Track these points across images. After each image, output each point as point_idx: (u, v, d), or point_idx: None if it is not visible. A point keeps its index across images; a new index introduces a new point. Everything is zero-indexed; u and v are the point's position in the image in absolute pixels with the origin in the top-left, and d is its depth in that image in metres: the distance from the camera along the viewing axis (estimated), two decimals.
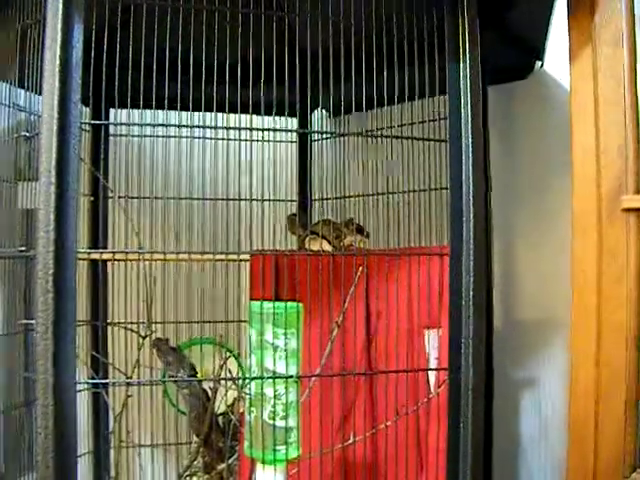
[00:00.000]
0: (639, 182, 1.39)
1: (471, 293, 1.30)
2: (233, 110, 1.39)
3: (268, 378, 1.32)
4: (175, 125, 1.39)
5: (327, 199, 1.99)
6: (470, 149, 1.31)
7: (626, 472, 1.36)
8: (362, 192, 1.80)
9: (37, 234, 1.08)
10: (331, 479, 1.60)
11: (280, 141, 1.76)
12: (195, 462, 1.70)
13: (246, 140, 1.57)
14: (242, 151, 1.58)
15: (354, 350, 1.64)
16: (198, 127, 1.40)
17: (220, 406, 1.65)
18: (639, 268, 1.38)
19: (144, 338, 1.50)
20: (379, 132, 1.73)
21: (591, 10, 1.44)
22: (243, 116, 1.49)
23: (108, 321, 1.93)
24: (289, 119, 2.18)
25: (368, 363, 1.68)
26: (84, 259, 1.69)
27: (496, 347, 1.78)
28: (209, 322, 1.53)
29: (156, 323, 1.58)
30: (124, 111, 1.56)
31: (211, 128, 1.44)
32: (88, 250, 1.81)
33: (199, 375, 1.69)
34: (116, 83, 1.32)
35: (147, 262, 1.41)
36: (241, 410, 1.58)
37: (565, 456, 1.46)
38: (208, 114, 1.40)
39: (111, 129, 1.96)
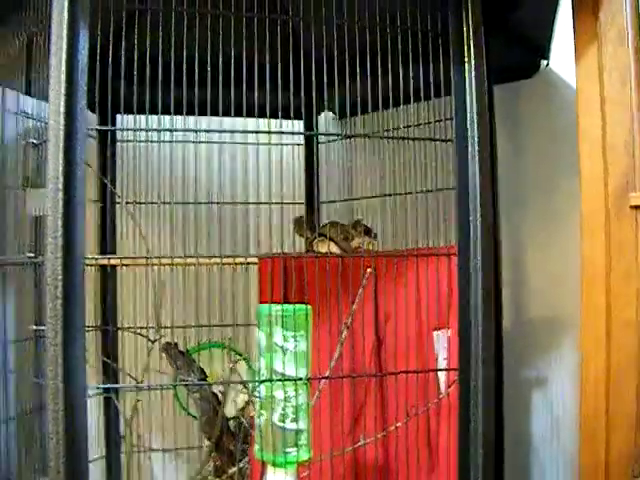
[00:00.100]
0: None
1: (480, 293, 1.30)
2: (239, 114, 1.39)
3: (278, 381, 1.32)
4: (181, 130, 1.39)
5: (334, 201, 2.00)
6: (476, 149, 1.31)
7: (636, 471, 1.36)
8: (369, 194, 1.80)
9: (45, 240, 1.09)
10: None
11: (287, 144, 1.76)
12: (206, 466, 1.70)
13: (253, 144, 1.58)
14: (249, 155, 1.58)
15: (363, 352, 1.64)
16: (204, 131, 1.40)
17: (231, 410, 1.65)
18: None
19: (153, 343, 1.50)
20: (385, 133, 1.73)
21: (595, 9, 1.43)
22: (249, 120, 1.50)
23: (118, 326, 1.94)
24: (296, 122, 2.18)
25: (378, 365, 1.68)
26: (92, 265, 1.70)
27: (506, 347, 1.77)
28: (218, 326, 1.53)
29: (165, 328, 1.58)
30: (131, 117, 1.57)
31: (217, 132, 1.44)
32: (96, 256, 1.82)
33: (208, 379, 1.70)
34: (122, 89, 1.32)
35: (155, 267, 1.41)
36: (252, 414, 1.58)
37: (577, 454, 1.45)
38: (214, 118, 1.40)
39: (118, 135, 1.97)
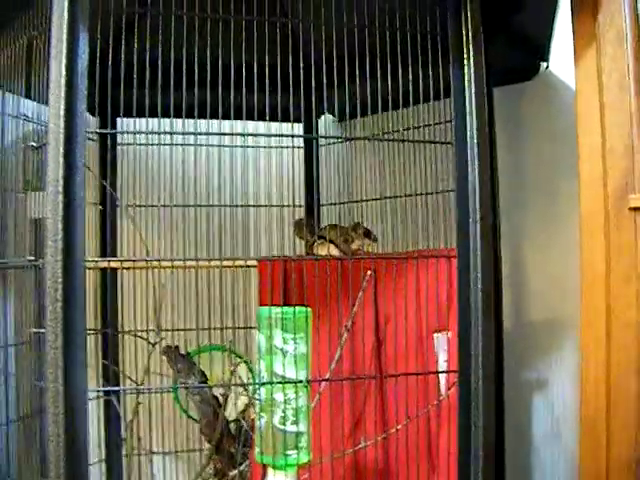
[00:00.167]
0: None
1: (479, 295, 1.30)
2: (239, 117, 1.39)
3: (278, 383, 1.33)
4: (181, 133, 1.40)
5: (334, 204, 2.00)
6: (476, 151, 1.31)
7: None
8: (369, 196, 1.80)
9: (45, 243, 1.09)
10: None
11: (286, 147, 1.76)
12: (207, 469, 1.70)
13: (252, 146, 1.58)
14: (249, 157, 1.58)
15: (363, 354, 1.64)
16: (204, 134, 1.41)
17: (231, 412, 1.65)
18: None
19: (154, 345, 1.50)
20: (385, 136, 1.73)
21: (594, 11, 1.44)
22: (249, 122, 1.50)
23: (118, 329, 1.94)
24: (295, 125, 2.19)
25: (378, 367, 1.68)
26: (92, 268, 1.70)
27: (506, 348, 1.78)
28: (218, 329, 1.53)
29: (166, 330, 1.58)
30: (131, 120, 1.57)
31: (217, 135, 1.44)
32: (96, 259, 1.82)
33: (209, 382, 1.70)
34: (122, 92, 1.32)
35: (155, 270, 1.41)
36: (252, 416, 1.58)
37: (578, 455, 1.45)
38: (213, 121, 1.41)
39: (118, 138, 1.97)
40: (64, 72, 1.10)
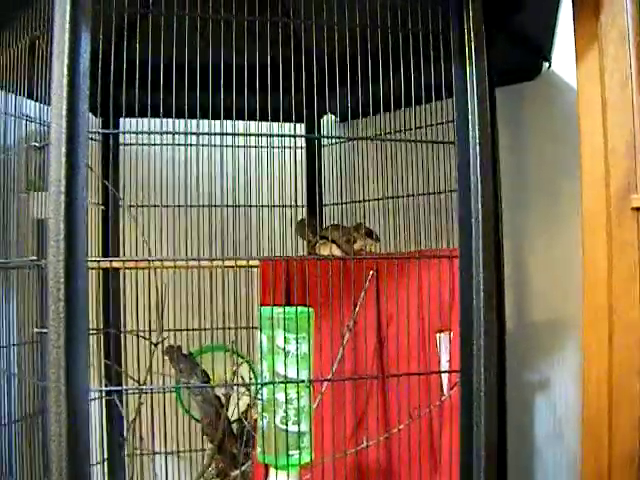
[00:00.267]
0: None
1: (482, 295, 1.30)
2: (240, 117, 1.39)
3: (280, 383, 1.33)
4: (183, 133, 1.40)
5: (336, 204, 2.00)
6: (478, 151, 1.31)
7: None
8: (371, 196, 1.80)
9: (48, 243, 1.09)
10: None
11: (288, 147, 1.77)
12: (209, 469, 1.70)
13: (254, 147, 1.58)
14: (251, 157, 1.58)
15: (365, 354, 1.64)
16: (206, 134, 1.41)
17: (234, 413, 1.65)
18: None
19: (156, 345, 1.50)
20: (387, 136, 1.73)
21: (596, 10, 1.44)
22: (251, 123, 1.50)
23: (120, 329, 1.94)
24: (298, 125, 2.19)
25: (380, 367, 1.68)
26: (95, 268, 1.70)
27: (508, 349, 1.78)
28: (220, 329, 1.53)
29: (168, 330, 1.58)
30: (133, 120, 1.57)
31: (219, 135, 1.44)
32: (98, 259, 1.82)
33: (211, 382, 1.70)
34: (124, 92, 1.32)
35: (157, 270, 1.41)
36: (254, 416, 1.58)
37: (580, 455, 1.45)
38: (216, 121, 1.41)
39: (120, 138, 1.97)
40: (66, 72, 1.10)
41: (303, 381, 1.34)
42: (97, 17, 1.18)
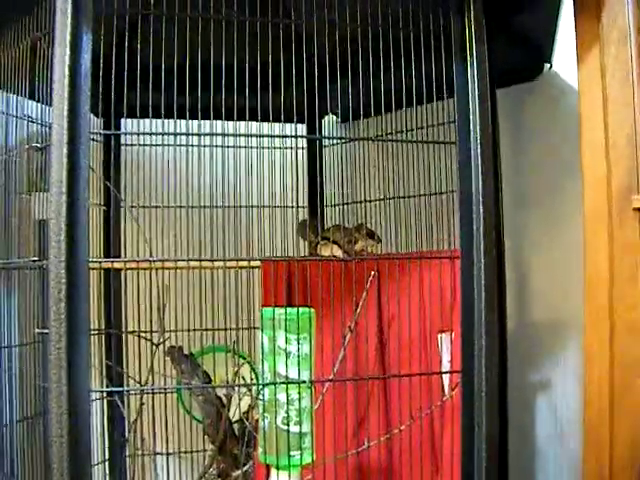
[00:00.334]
0: None
1: (483, 296, 1.30)
2: (242, 118, 1.39)
3: (281, 384, 1.33)
4: (185, 134, 1.40)
5: (338, 205, 2.00)
6: (479, 151, 1.31)
7: None
8: (372, 197, 1.80)
9: (49, 244, 1.09)
10: None
11: (289, 148, 1.77)
12: (210, 469, 1.70)
13: (255, 147, 1.58)
14: (252, 158, 1.59)
15: (367, 355, 1.64)
16: (207, 135, 1.41)
17: (235, 413, 1.65)
18: None
19: (157, 346, 1.50)
20: (388, 136, 1.73)
21: (597, 10, 1.43)
22: (252, 123, 1.50)
23: (122, 329, 1.94)
24: (299, 125, 2.19)
25: (381, 368, 1.68)
26: (96, 268, 1.70)
27: (510, 349, 1.77)
28: (222, 329, 1.53)
29: (169, 331, 1.59)
30: (135, 121, 1.57)
31: (220, 135, 1.44)
32: (100, 259, 1.82)
33: (213, 382, 1.70)
34: (125, 93, 1.33)
35: (159, 270, 1.41)
36: (256, 417, 1.58)
37: (581, 456, 1.45)
38: (217, 122, 1.41)
39: (122, 139, 1.97)
40: (67, 73, 1.11)
41: (304, 382, 1.34)
42: (98, 18, 1.18)
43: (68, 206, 1.09)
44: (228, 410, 1.60)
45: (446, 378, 1.58)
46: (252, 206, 1.72)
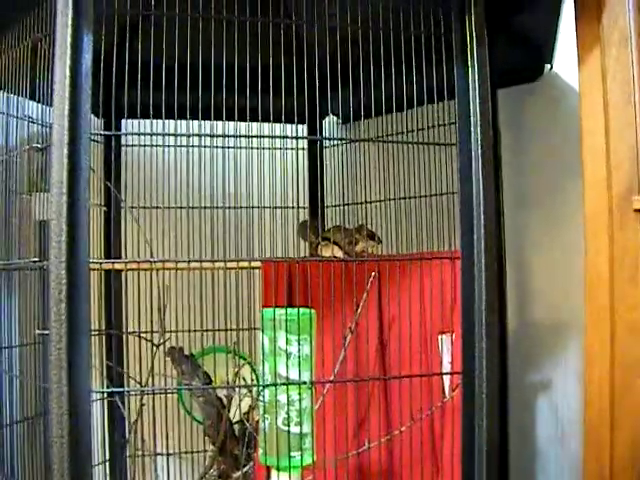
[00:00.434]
0: None
1: (484, 296, 1.30)
2: (242, 118, 1.39)
3: (282, 384, 1.32)
4: (185, 134, 1.40)
5: (338, 205, 2.00)
6: (479, 153, 1.31)
7: None
8: (373, 198, 1.80)
9: (49, 244, 1.09)
10: None
11: (290, 148, 1.77)
12: (211, 470, 1.70)
13: (256, 148, 1.58)
14: (253, 159, 1.59)
15: (367, 356, 1.64)
16: (208, 136, 1.41)
17: (236, 414, 1.65)
18: None
19: (158, 347, 1.50)
20: (389, 138, 1.73)
21: (598, 12, 1.43)
22: (253, 124, 1.50)
23: (122, 330, 1.94)
24: (299, 126, 2.19)
25: (382, 369, 1.68)
26: (97, 269, 1.70)
27: (510, 349, 1.78)
28: (222, 330, 1.53)
29: (170, 332, 1.59)
30: (135, 121, 1.57)
31: (221, 137, 1.44)
32: (100, 260, 1.82)
33: (213, 383, 1.70)
34: (125, 94, 1.33)
35: (159, 271, 1.41)
36: (256, 418, 1.58)
37: (582, 457, 1.45)
38: (218, 122, 1.41)
39: (122, 139, 1.97)
40: (68, 73, 1.11)
41: (305, 383, 1.34)
42: (99, 18, 1.18)
43: (69, 207, 1.09)
44: (229, 411, 1.60)
45: (447, 379, 1.58)
46: (253, 207, 1.72)
